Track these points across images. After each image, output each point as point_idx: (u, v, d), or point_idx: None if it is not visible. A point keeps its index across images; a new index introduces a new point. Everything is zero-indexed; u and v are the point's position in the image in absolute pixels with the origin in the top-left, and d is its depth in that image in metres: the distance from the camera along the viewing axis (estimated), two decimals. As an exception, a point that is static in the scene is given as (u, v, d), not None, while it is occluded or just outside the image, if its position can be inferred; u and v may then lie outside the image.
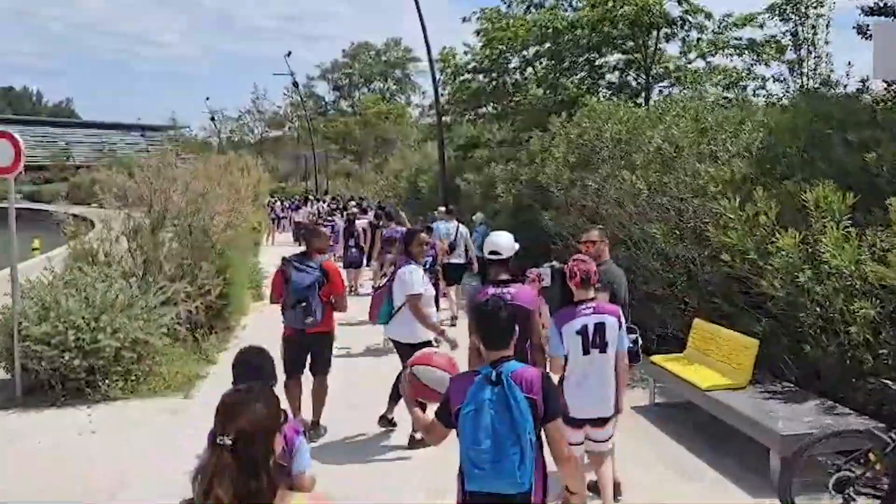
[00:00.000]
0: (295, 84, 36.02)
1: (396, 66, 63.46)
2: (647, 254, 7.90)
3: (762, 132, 7.53)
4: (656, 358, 6.32)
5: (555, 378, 3.48)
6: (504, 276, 4.29)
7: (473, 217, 12.33)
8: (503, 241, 4.40)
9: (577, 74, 14.95)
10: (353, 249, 12.72)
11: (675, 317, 7.77)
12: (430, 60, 17.18)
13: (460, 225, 10.95)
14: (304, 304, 5.38)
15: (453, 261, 10.44)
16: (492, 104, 19.01)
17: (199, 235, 8.83)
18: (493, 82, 17.99)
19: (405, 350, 5.24)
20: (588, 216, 9.37)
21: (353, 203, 18.87)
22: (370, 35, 59.60)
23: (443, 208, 11.85)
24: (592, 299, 3.95)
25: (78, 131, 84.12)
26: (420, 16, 16.51)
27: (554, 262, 9.08)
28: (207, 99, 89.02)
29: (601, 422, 3.96)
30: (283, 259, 5.72)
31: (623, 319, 4.05)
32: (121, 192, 9.71)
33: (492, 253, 4.36)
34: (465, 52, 20.30)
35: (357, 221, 13.26)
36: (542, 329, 4.32)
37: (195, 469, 1.91)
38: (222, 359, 8.36)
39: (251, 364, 2.83)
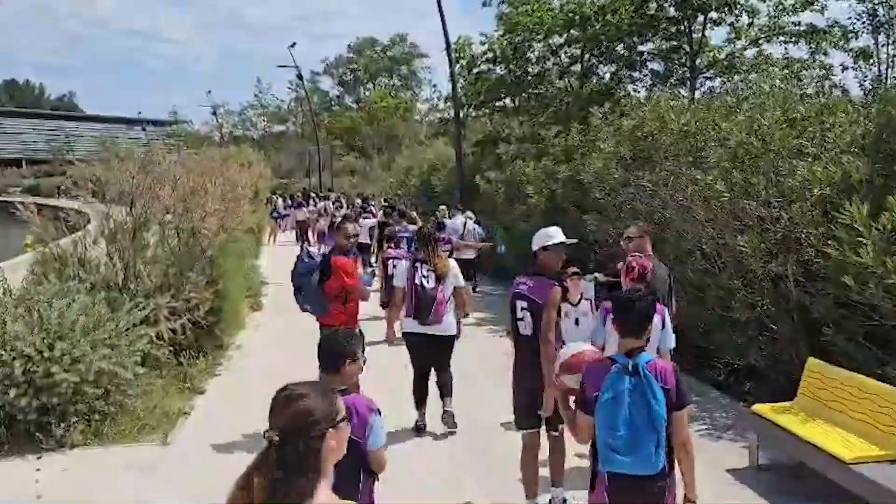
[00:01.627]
0: (299, 76, 34.56)
1: (402, 62, 62.06)
2: (724, 269, 6.56)
3: (868, 124, 6.18)
4: (761, 408, 4.95)
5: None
6: (537, 269, 4.28)
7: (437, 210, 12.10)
8: (539, 241, 4.30)
9: (614, 62, 13.51)
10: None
11: (756, 346, 6.42)
12: (449, 50, 15.83)
13: (468, 220, 11.50)
14: (300, 291, 5.52)
15: (463, 256, 10.33)
16: (511, 96, 17.65)
17: (187, 240, 7.49)
18: (514, 72, 16.63)
19: (447, 342, 5.62)
20: (643, 222, 8.03)
21: (358, 202, 17.87)
22: (380, 34, 58.63)
23: (444, 207, 11.80)
24: None
25: (81, 125, 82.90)
26: (439, 3, 15.22)
27: (597, 275, 7.67)
28: (209, 92, 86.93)
29: None
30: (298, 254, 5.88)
31: (667, 318, 4.18)
32: (98, 187, 8.38)
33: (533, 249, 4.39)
34: (482, 43, 18.98)
35: (363, 220, 12.23)
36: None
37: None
38: (211, 387, 7.04)
39: (334, 350, 2.80)
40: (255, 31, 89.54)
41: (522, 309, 4.19)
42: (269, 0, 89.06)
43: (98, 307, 5.93)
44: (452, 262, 5.80)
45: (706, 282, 6.84)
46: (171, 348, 7.01)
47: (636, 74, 13.22)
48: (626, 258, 4.68)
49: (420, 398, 5.66)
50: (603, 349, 3.97)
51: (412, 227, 10.15)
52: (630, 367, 2.75)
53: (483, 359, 7.60)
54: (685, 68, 12.54)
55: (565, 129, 12.68)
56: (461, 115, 17.19)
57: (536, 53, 16.78)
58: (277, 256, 18.82)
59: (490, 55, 17.49)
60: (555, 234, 4.24)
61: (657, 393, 2.73)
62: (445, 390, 5.67)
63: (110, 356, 5.57)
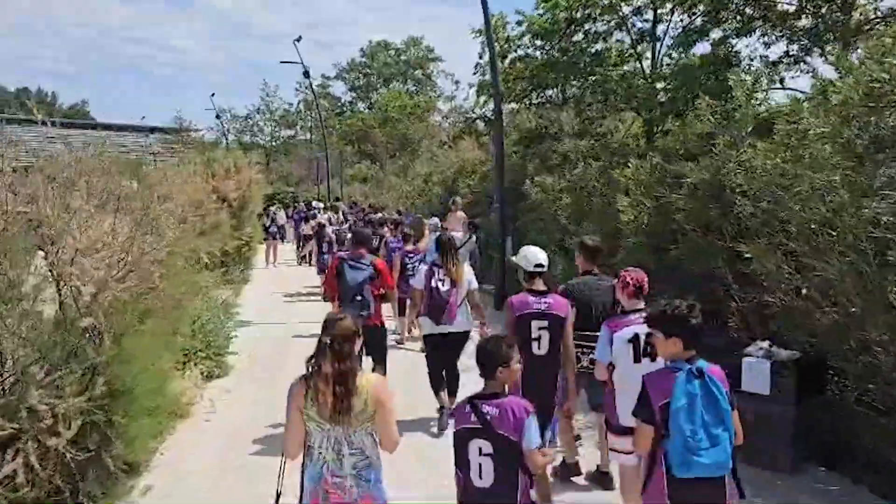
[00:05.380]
0: (306, 74, 31.03)
1: (416, 66, 58.83)
2: None
3: None
4: None
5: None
6: (542, 287, 4.46)
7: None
8: (544, 256, 4.59)
9: (727, 23, 9.79)
10: (326, 255, 12.41)
11: None
12: (488, 31, 12.26)
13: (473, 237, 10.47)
14: (359, 298, 5.63)
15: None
16: (561, 84, 14.14)
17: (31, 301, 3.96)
18: (566, 52, 13.11)
19: (461, 339, 5.95)
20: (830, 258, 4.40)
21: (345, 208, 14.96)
22: (391, 39, 54.83)
23: (436, 220, 10.93)
24: (643, 309, 3.92)
25: (89, 133, 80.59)
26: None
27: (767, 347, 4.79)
28: (213, 95, 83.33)
29: None
30: (339, 258, 5.99)
31: None
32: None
33: (538, 266, 4.51)
34: (519, 23, 15.47)
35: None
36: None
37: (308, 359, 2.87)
38: None
39: (493, 357, 3.02)
40: (262, 39, 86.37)
41: (540, 328, 4.32)
42: (277, 8, 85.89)
43: None
44: (467, 268, 6.02)
45: None
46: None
47: (769, 36, 9.44)
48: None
49: (437, 386, 6.04)
50: (611, 367, 3.96)
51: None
52: (696, 371, 2.84)
53: None
54: (835, 28, 8.78)
55: (654, 116, 9.12)
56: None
57: (595, 28, 13.27)
58: (278, 281, 15.29)
59: (535, 30, 13.97)
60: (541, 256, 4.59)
61: (723, 393, 2.84)
62: (451, 388, 5.98)
63: None
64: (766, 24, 8.91)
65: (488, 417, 2.89)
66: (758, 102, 5.99)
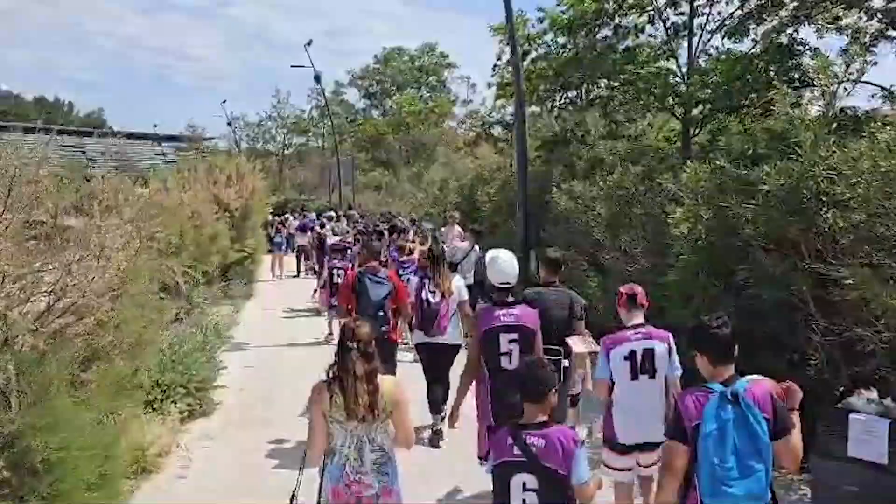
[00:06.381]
0: (317, 78, 30.16)
1: (431, 72, 57.91)
2: None
3: None
4: None
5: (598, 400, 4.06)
6: (509, 298, 4.38)
7: None
8: (513, 271, 4.44)
9: (787, 6, 8.61)
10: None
11: None
12: (511, 25, 11.21)
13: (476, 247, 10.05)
14: (381, 313, 5.59)
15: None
16: (588, 82, 13.11)
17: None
18: (596, 48, 12.08)
19: (451, 351, 5.93)
20: None
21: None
22: (407, 46, 53.77)
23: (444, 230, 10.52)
24: (642, 324, 3.89)
25: (104, 141, 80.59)
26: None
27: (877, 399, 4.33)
28: (224, 102, 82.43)
29: (650, 447, 3.78)
30: (359, 272, 5.90)
31: (673, 345, 3.86)
32: None
33: (503, 284, 4.41)
34: (540, 20, 14.47)
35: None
36: None
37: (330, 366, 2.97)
38: None
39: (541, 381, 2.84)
40: (279, 48, 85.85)
41: (511, 342, 4.22)
42: (293, 17, 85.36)
43: None
44: (456, 278, 6.08)
45: None
46: None
47: (841, 20, 8.20)
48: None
49: (434, 399, 5.90)
50: (612, 385, 3.83)
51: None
52: (730, 396, 2.64)
53: None
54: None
55: (695, 116, 8.02)
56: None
57: (625, 23, 12.23)
58: (281, 296, 14.18)
59: (558, 26, 12.95)
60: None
61: (761, 422, 2.61)
62: (435, 407, 5.85)
63: None
64: (836, 5, 7.72)
65: (534, 450, 2.70)
66: (846, 93, 4.89)
